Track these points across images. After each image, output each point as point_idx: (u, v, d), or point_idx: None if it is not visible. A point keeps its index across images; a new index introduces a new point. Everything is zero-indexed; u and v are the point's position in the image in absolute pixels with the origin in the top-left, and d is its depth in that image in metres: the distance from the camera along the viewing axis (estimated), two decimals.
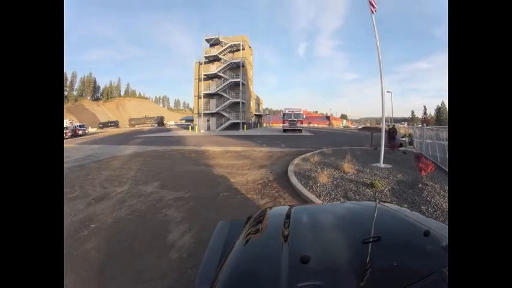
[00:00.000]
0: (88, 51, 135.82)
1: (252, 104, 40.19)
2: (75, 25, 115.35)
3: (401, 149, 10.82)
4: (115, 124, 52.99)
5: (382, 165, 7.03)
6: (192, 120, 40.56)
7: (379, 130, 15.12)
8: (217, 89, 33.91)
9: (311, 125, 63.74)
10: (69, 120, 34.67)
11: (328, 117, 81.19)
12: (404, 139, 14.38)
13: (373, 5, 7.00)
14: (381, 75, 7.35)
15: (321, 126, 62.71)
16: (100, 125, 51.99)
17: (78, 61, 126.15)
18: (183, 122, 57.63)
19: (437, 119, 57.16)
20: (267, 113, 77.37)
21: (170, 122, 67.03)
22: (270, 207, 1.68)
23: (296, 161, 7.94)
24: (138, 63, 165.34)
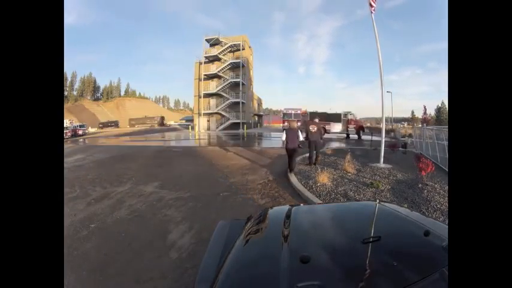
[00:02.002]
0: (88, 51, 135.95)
1: (252, 104, 40.18)
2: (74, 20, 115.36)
3: (401, 149, 10.81)
4: (115, 124, 53.00)
5: (382, 165, 7.04)
6: (192, 120, 40.55)
7: (379, 130, 15.13)
8: (218, 89, 33.91)
9: None
10: (69, 120, 34.64)
11: None
12: (404, 139, 14.37)
13: (371, 5, 7.03)
14: (380, 76, 7.35)
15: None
16: (100, 125, 51.99)
17: (79, 61, 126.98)
18: (183, 122, 57.62)
19: (437, 119, 57.21)
20: (267, 113, 77.40)
21: (170, 122, 67.00)
22: (270, 207, 1.68)
23: (296, 160, 7.94)
24: (139, 63, 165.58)
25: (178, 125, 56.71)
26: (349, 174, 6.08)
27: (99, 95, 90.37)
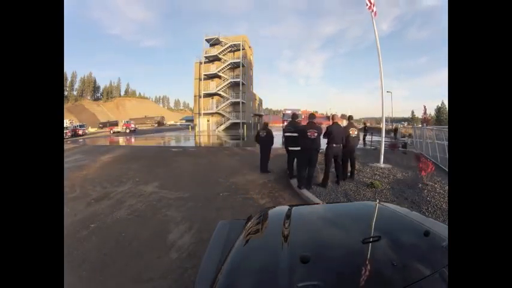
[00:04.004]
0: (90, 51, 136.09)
1: (253, 104, 40.17)
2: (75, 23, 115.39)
3: (401, 149, 10.82)
4: (115, 124, 53.00)
5: (382, 165, 7.04)
6: (192, 120, 40.59)
7: (378, 130, 15.14)
8: (218, 89, 33.93)
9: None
10: (69, 120, 34.66)
11: (328, 117, 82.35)
12: (404, 139, 14.37)
13: (370, 7, 7.09)
14: (380, 76, 7.35)
15: (322, 126, 63.43)
16: (100, 125, 51.99)
17: (78, 61, 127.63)
18: (184, 121, 57.65)
19: (437, 119, 57.24)
20: (267, 113, 77.68)
21: (170, 122, 67.04)
22: (270, 207, 1.68)
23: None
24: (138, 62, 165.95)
25: (180, 124, 56.67)
26: (349, 174, 6.08)
27: (99, 95, 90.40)
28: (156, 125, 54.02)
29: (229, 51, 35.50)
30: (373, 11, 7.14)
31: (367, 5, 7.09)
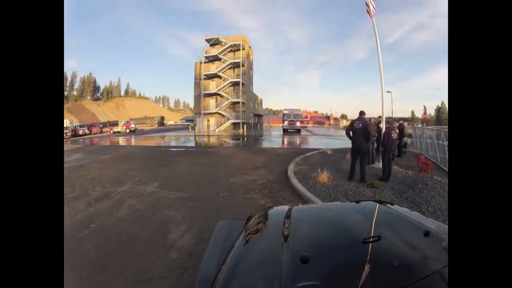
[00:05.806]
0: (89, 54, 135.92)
1: (253, 103, 40.12)
2: (75, 28, 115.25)
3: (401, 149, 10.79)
4: (115, 124, 53.01)
5: (381, 165, 7.03)
6: (192, 120, 40.58)
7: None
8: (218, 88, 33.90)
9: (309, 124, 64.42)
10: (69, 120, 34.73)
11: (328, 117, 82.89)
12: (404, 139, 14.34)
13: (369, 8, 7.11)
14: (380, 76, 7.35)
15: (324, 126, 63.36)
16: (100, 125, 51.97)
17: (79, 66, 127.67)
18: (184, 121, 57.70)
19: (437, 119, 57.32)
20: (267, 113, 77.73)
21: (170, 122, 67.09)
22: (270, 207, 1.68)
23: (297, 159, 7.95)
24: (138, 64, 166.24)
25: (182, 124, 56.55)
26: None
27: (99, 95, 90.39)
28: (156, 125, 54.05)
29: (229, 51, 35.41)
30: (373, 13, 7.20)
31: (368, 12, 7.15)
